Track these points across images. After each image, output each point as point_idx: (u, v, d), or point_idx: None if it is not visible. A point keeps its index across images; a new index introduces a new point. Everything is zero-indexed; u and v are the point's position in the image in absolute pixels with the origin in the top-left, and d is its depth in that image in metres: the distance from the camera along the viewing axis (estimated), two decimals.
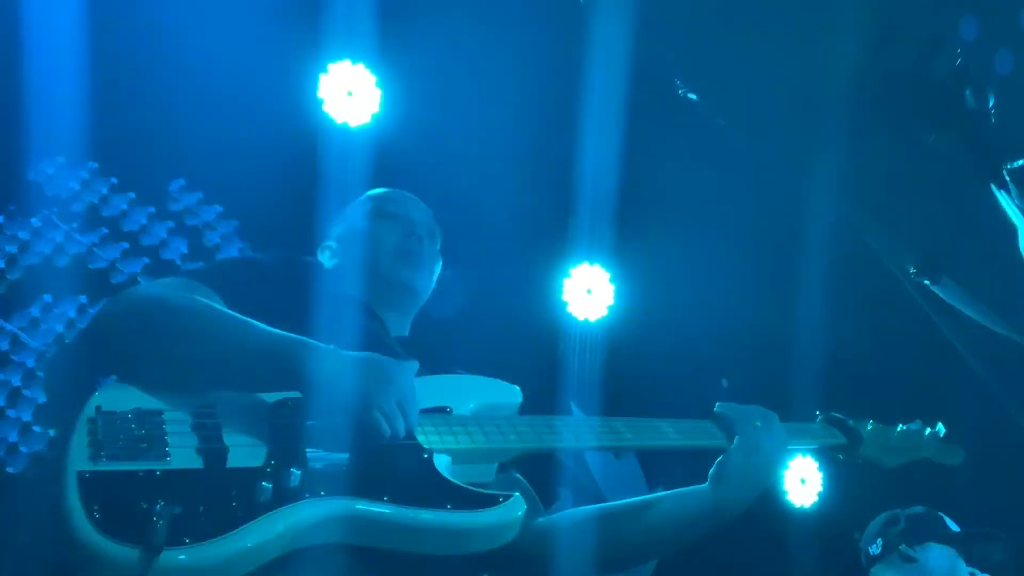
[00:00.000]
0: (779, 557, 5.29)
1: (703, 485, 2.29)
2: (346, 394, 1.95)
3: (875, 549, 3.44)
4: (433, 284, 2.70)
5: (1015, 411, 4.63)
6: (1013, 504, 4.53)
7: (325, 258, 2.66)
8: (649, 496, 2.38)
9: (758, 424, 2.31)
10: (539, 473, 2.41)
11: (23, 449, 3.97)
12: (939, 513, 3.51)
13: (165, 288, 2.14)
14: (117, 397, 1.96)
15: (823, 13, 3.81)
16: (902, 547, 3.39)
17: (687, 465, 2.42)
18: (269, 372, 1.99)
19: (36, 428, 4.00)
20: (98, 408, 1.92)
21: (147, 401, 1.96)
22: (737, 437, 2.30)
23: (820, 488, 5.38)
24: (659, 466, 5.28)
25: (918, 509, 3.52)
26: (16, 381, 4.03)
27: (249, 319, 2.04)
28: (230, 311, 2.07)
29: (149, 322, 2.02)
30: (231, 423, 1.96)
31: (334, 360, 1.98)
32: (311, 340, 2.01)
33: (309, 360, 1.96)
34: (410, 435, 2.01)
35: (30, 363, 4.06)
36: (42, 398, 4.01)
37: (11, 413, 3.99)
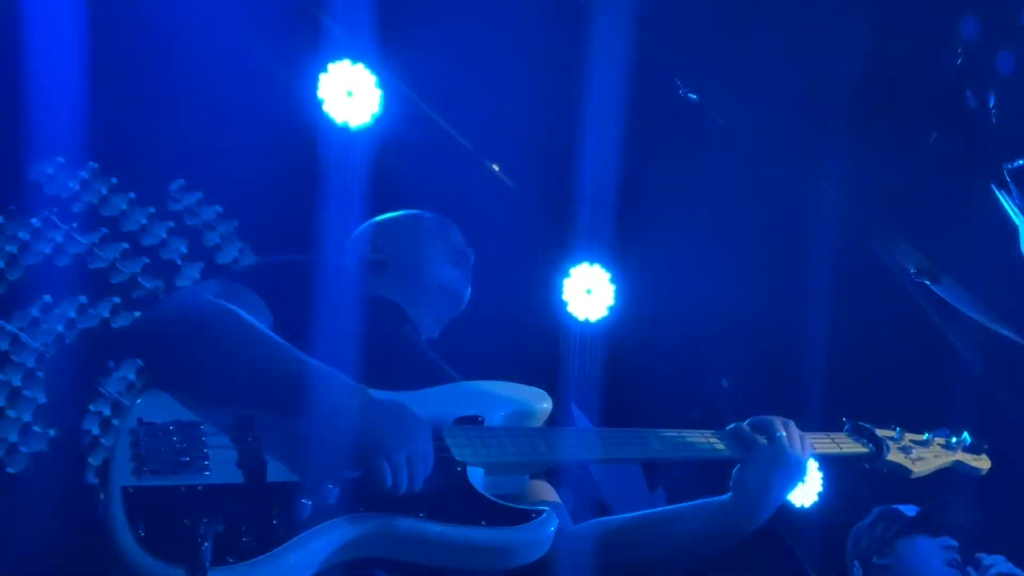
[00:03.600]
0: (779, 557, 5.29)
1: (724, 497, 2.28)
2: (360, 435, 1.92)
3: (858, 573, 3.44)
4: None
5: (1015, 411, 4.64)
6: (1014, 503, 4.53)
7: (369, 249, 2.65)
8: (672, 508, 2.37)
9: (780, 434, 2.29)
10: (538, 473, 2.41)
11: (23, 449, 3.96)
12: (892, 507, 3.49)
13: (210, 297, 2.11)
14: (157, 408, 1.95)
15: (823, 14, 3.81)
16: (874, 559, 3.38)
17: (685, 466, 2.42)
18: (291, 400, 1.97)
19: (36, 428, 4.00)
20: (140, 419, 1.91)
21: (186, 412, 1.96)
22: (756, 448, 2.28)
23: (820, 488, 5.38)
24: (658, 467, 5.28)
25: (872, 515, 3.51)
26: (16, 381, 4.03)
27: (284, 343, 2.03)
28: (268, 331, 2.06)
29: (194, 336, 2.01)
30: (270, 436, 1.96)
31: (358, 399, 1.96)
32: (339, 374, 1.99)
33: (332, 394, 1.95)
34: (411, 495, 1.95)
35: (30, 363, 4.05)
36: (42, 398, 4.01)
37: (11, 413, 3.99)
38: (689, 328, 5.27)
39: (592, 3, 3.98)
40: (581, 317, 4.94)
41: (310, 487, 1.89)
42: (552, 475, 2.33)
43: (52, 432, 4.00)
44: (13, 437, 3.97)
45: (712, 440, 2.32)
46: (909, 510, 3.44)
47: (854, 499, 5.20)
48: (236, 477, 1.88)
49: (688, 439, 2.31)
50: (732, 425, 2.34)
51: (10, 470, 3.92)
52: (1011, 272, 3.99)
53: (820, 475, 5.39)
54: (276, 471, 1.91)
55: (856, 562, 3.44)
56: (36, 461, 3.93)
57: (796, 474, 2.31)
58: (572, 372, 4.77)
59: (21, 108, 3.79)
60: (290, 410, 1.98)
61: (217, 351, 2.00)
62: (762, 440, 2.28)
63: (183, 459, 1.86)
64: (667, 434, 2.31)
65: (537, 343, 4.93)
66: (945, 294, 4.46)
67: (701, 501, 2.31)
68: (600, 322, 4.96)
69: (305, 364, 1.99)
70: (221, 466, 1.88)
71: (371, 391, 2.01)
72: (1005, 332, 4.40)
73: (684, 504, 2.34)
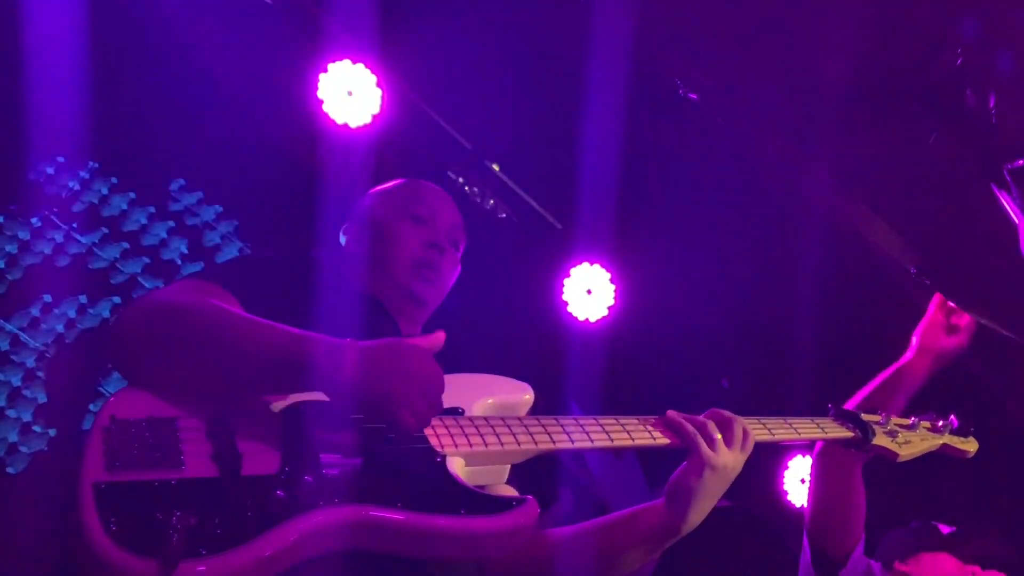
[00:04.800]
0: (779, 557, 5.29)
1: (658, 501, 2.24)
2: (372, 399, 1.91)
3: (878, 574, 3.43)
4: (447, 292, 2.66)
5: (1015, 410, 4.64)
6: (1013, 504, 4.53)
7: (350, 238, 2.62)
8: (606, 517, 2.32)
9: (716, 437, 2.22)
10: (539, 473, 2.41)
11: (23, 449, 3.97)
12: (932, 523, 3.50)
13: (182, 293, 2.10)
14: (130, 405, 1.94)
15: (823, 13, 3.81)
16: (896, 564, 3.38)
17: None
18: (290, 375, 1.95)
19: (36, 428, 4.00)
20: (112, 417, 1.90)
21: (160, 408, 1.94)
22: (690, 454, 2.22)
23: None
24: (659, 467, 5.28)
25: (913, 525, 3.52)
26: (16, 381, 4.03)
27: (266, 321, 2.01)
28: (247, 315, 2.04)
29: (170, 330, 1.99)
30: (244, 429, 1.95)
31: (355, 356, 1.92)
32: (331, 338, 1.96)
33: (331, 366, 1.91)
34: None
35: (30, 363, 4.06)
36: (42, 398, 4.01)
37: (11, 413, 3.99)
38: (689, 328, 5.27)
39: (592, 3, 3.97)
40: (581, 317, 4.94)
41: (286, 478, 1.87)
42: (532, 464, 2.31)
43: (52, 432, 4.01)
44: (13, 437, 3.97)
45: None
46: (946, 530, 3.44)
47: None
48: (210, 471, 1.86)
49: (647, 427, 2.29)
50: (670, 415, 2.28)
51: (10, 470, 3.92)
52: (1011, 272, 3.99)
53: None
54: (251, 464, 1.89)
55: (879, 563, 3.43)
56: (36, 461, 3.93)
57: (732, 478, 2.24)
58: (572, 372, 4.77)
59: (21, 108, 3.80)
60: (286, 385, 1.97)
61: (198, 339, 1.97)
62: (703, 445, 2.21)
63: (156, 454, 1.85)
64: (648, 420, 2.30)
65: (537, 343, 4.93)
66: (945, 294, 4.45)
67: (633, 508, 2.28)
68: (600, 322, 4.96)
69: (290, 335, 1.96)
70: (195, 460, 1.86)
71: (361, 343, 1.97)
72: (1005, 332, 4.40)
73: (617, 513, 2.30)
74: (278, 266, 2.35)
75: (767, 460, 5.26)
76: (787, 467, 5.38)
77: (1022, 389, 4.60)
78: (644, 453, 5.10)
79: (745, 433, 2.27)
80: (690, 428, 2.23)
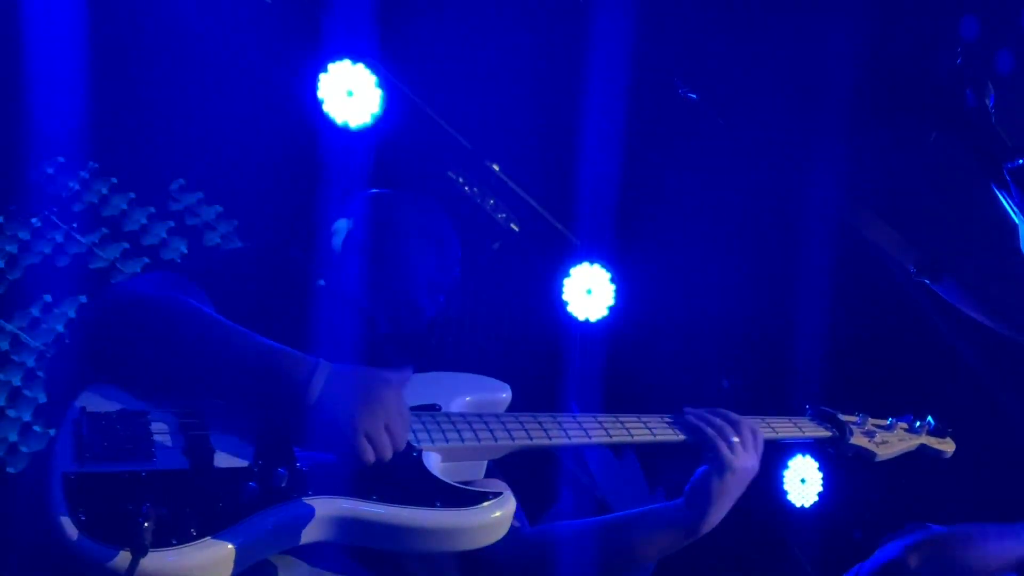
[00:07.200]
0: (779, 557, 5.29)
1: (677, 502, 2.27)
2: (335, 420, 1.90)
3: None
4: None
5: (1015, 410, 4.64)
6: (1012, 503, 4.53)
7: (341, 226, 2.58)
8: (623, 514, 2.35)
9: (733, 440, 2.27)
10: (539, 473, 2.41)
11: (23, 449, 3.97)
12: (925, 524, 3.50)
13: (156, 288, 2.08)
14: (102, 398, 1.94)
15: (823, 12, 3.81)
16: None
17: (688, 465, 2.42)
18: (259, 391, 1.94)
19: (36, 428, 4.00)
20: (82, 409, 1.90)
21: (132, 402, 1.94)
22: (711, 457, 2.25)
23: (820, 488, 5.38)
24: (659, 466, 5.28)
25: (907, 527, 3.51)
26: (16, 381, 4.03)
27: (244, 330, 1.99)
28: (223, 319, 2.02)
29: (140, 326, 1.98)
30: (217, 423, 1.94)
31: (324, 380, 1.92)
32: (304, 355, 1.95)
33: (298, 382, 1.91)
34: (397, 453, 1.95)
35: (30, 363, 4.06)
36: (42, 398, 4.01)
37: (11, 413, 3.99)
38: (689, 328, 5.27)
39: (592, 3, 3.98)
40: (581, 317, 4.94)
41: (260, 471, 1.87)
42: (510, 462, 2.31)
43: (52, 432, 4.00)
44: (13, 437, 3.97)
45: (671, 426, 2.32)
46: (940, 529, 3.44)
47: (854, 499, 5.21)
48: (182, 464, 1.86)
49: (648, 424, 2.32)
50: (688, 416, 2.32)
51: (10, 470, 3.92)
52: (1011, 272, 3.99)
53: (820, 475, 5.39)
54: (224, 457, 1.89)
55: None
56: (32, 461, 3.93)
57: (749, 478, 2.29)
58: (572, 372, 4.77)
59: (21, 108, 3.80)
60: (254, 401, 1.95)
61: (169, 339, 1.96)
62: (723, 448, 2.25)
63: (127, 447, 1.84)
64: (627, 419, 2.31)
65: (537, 343, 4.93)
66: (945, 293, 4.46)
67: (652, 507, 2.32)
68: (600, 322, 4.96)
69: (266, 350, 1.95)
70: (166, 453, 1.86)
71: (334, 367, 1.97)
72: (1005, 332, 4.40)
73: (635, 511, 2.33)
74: (252, 261, 2.34)
75: (767, 460, 5.26)
76: (787, 467, 5.38)
77: (1022, 389, 4.60)
78: (644, 453, 5.10)
79: (754, 433, 2.31)
80: (710, 432, 2.27)
